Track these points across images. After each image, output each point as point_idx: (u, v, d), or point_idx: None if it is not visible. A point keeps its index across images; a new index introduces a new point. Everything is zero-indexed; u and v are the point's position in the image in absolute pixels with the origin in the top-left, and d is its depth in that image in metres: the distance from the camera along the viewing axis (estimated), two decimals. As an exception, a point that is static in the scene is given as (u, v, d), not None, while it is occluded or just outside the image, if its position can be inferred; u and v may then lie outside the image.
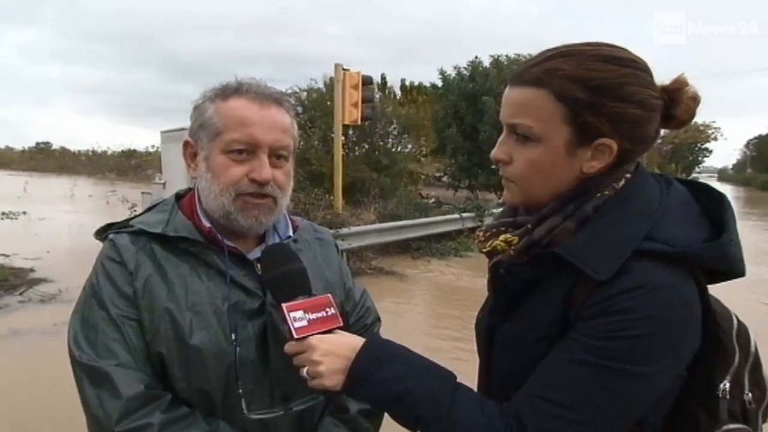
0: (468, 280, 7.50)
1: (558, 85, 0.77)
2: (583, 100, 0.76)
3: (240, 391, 0.95)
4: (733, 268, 0.78)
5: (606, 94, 0.76)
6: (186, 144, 1.03)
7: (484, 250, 0.90)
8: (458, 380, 0.83)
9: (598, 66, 0.77)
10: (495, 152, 0.86)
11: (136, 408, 0.87)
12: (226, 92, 0.99)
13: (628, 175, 0.81)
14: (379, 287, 6.65)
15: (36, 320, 5.03)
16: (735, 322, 0.88)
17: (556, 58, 0.79)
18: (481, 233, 0.93)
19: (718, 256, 0.77)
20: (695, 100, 0.81)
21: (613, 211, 0.78)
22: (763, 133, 63.65)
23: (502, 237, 0.87)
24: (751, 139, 71.29)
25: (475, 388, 0.87)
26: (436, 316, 6.03)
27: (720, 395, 0.82)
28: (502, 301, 0.90)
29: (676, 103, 0.81)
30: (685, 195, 0.83)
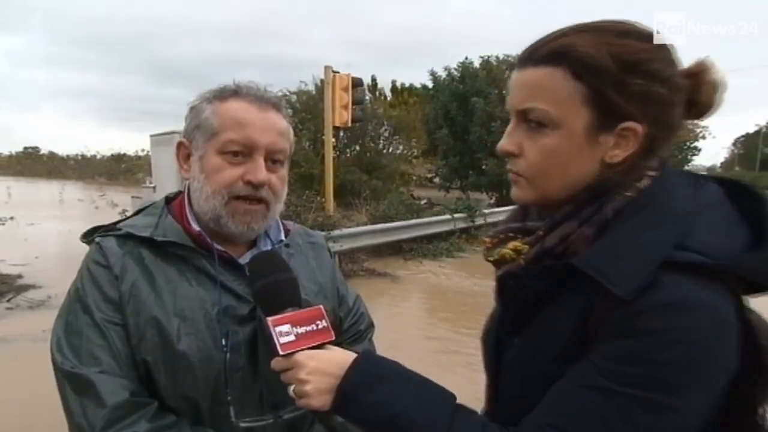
0: (460, 281, 7.49)
1: (577, 61, 0.67)
2: (606, 77, 0.67)
3: (229, 398, 0.93)
4: None
5: (632, 70, 0.67)
6: (180, 145, 1.01)
7: (491, 258, 0.80)
8: (459, 401, 0.76)
9: (620, 41, 0.68)
10: (503, 143, 0.76)
11: (121, 417, 0.84)
12: (224, 94, 0.97)
13: (653, 173, 0.71)
14: (371, 289, 6.64)
15: (24, 327, 4.94)
16: None
17: (572, 34, 0.70)
18: (488, 239, 0.83)
19: (760, 268, 0.66)
20: (716, 86, 0.72)
21: (636, 215, 0.68)
22: (750, 131, 64.43)
23: (510, 244, 0.77)
24: (738, 138, 72.05)
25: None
26: (429, 317, 6.02)
27: (759, 421, 0.71)
28: (512, 315, 0.81)
29: (699, 87, 0.71)
30: (720, 195, 0.72)
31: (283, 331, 0.80)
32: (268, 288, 0.87)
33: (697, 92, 0.72)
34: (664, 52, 0.70)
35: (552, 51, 0.70)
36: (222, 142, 0.94)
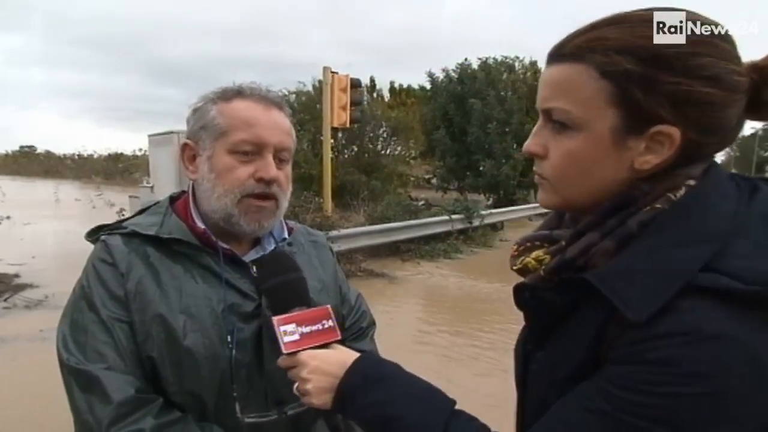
0: (457, 282, 7.50)
1: (602, 58, 0.61)
2: (634, 75, 0.60)
3: (235, 394, 0.94)
4: None
5: (666, 66, 0.59)
6: (185, 146, 1.03)
7: (515, 268, 0.76)
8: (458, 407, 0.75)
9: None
10: (528, 144, 0.71)
11: (127, 413, 0.85)
12: (227, 95, 0.99)
13: (692, 182, 0.63)
14: (369, 289, 6.64)
15: (22, 327, 4.94)
16: None
17: (601, 27, 0.64)
18: (514, 247, 0.79)
19: None
20: None
21: (663, 231, 0.61)
22: (746, 134, 64.62)
23: (534, 254, 0.72)
24: (734, 140, 72.17)
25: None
26: (426, 317, 6.02)
27: None
28: (533, 328, 0.78)
29: None
30: None
31: (288, 330, 0.82)
32: (276, 287, 0.90)
33: (766, 90, 0.62)
34: (714, 44, 0.61)
35: (578, 46, 0.64)
36: (232, 142, 0.95)
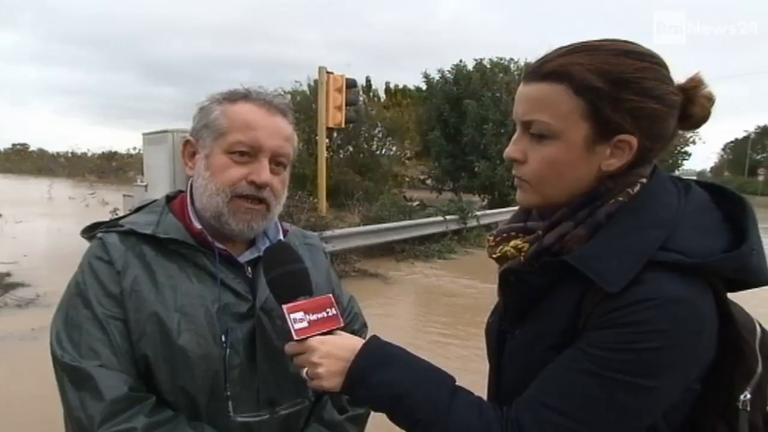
0: (451, 282, 7.52)
1: (577, 79, 0.74)
2: (603, 94, 0.74)
3: (228, 393, 0.94)
4: (756, 278, 0.75)
5: (626, 87, 0.74)
6: (186, 143, 1.04)
7: (494, 255, 0.87)
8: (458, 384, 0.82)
9: (616, 60, 0.75)
10: (509, 151, 0.83)
11: (120, 411, 0.86)
12: (234, 96, 1.00)
13: (644, 180, 0.78)
14: (363, 289, 6.64)
15: (13, 326, 4.90)
16: (759, 331, 0.83)
17: (573, 53, 0.77)
18: (491, 238, 0.91)
19: (738, 266, 0.73)
20: (710, 99, 0.79)
21: (626, 219, 0.76)
22: (740, 137, 65.10)
23: (512, 243, 0.84)
24: (728, 143, 72.67)
25: (472, 389, 0.84)
26: (420, 317, 6.04)
27: (740, 407, 0.78)
28: (512, 308, 0.88)
29: (692, 101, 0.78)
30: (706, 201, 0.80)
31: (297, 318, 0.85)
32: (282, 277, 0.91)
33: (692, 106, 0.78)
34: (657, 70, 0.76)
35: (554, 69, 0.76)
36: (229, 143, 0.96)
